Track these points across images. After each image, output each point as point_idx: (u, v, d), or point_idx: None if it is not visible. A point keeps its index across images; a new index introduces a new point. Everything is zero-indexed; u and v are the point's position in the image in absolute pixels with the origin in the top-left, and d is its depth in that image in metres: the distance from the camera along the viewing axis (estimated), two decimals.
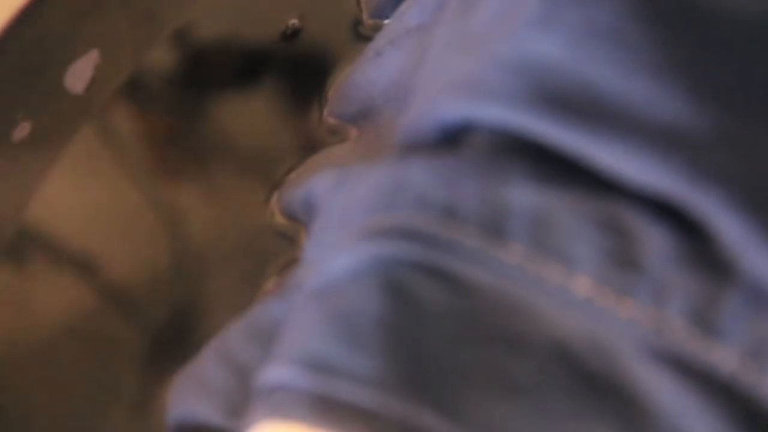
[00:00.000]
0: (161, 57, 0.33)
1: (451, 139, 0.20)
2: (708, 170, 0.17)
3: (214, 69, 0.33)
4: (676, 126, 0.18)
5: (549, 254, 0.18)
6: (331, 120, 0.29)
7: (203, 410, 0.22)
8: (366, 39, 0.31)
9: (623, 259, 0.18)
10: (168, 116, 0.34)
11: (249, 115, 0.33)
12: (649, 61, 0.18)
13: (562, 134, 0.18)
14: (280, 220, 0.29)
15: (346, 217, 0.21)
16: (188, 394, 0.22)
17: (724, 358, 0.18)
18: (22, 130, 0.33)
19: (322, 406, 0.18)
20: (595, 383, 0.18)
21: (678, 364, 0.18)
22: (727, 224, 0.17)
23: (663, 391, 0.18)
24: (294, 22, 0.32)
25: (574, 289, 0.18)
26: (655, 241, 0.18)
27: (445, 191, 0.19)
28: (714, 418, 0.18)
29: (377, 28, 0.30)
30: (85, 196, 0.34)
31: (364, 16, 0.31)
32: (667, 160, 0.18)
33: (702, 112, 0.18)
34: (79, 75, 0.35)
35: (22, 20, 0.32)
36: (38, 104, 0.34)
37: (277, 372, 0.19)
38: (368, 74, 0.27)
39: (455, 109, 0.20)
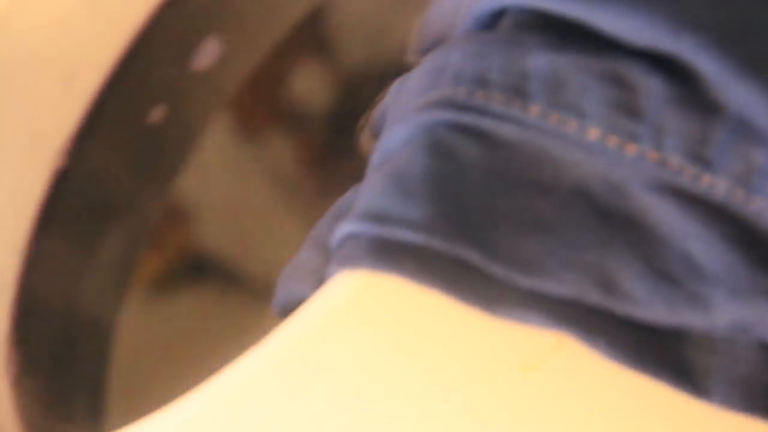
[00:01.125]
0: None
1: (489, 26, 0.24)
2: (687, 21, 0.20)
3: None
4: None
5: (564, 110, 0.22)
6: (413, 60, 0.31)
7: (299, 289, 0.26)
8: None
9: (626, 108, 0.21)
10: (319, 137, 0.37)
11: None
12: None
13: (569, 6, 0.22)
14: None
15: (400, 105, 0.25)
16: (288, 279, 0.26)
17: (715, 185, 0.21)
18: (158, 113, 0.37)
19: (382, 248, 0.22)
20: (610, 215, 0.22)
21: (680, 194, 0.21)
22: (708, 65, 0.20)
23: (669, 218, 0.21)
24: None
25: (587, 137, 0.22)
26: (652, 90, 0.21)
27: (476, 65, 0.23)
28: (711, 236, 0.21)
29: None
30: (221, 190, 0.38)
31: None
32: (653, 17, 0.21)
33: None
34: (205, 56, 0.39)
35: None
36: (170, 86, 0.38)
37: (346, 227, 0.23)
38: (440, 7, 0.30)
39: (489, 1, 0.23)
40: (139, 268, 0.40)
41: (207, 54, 0.39)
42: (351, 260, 0.22)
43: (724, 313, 0.21)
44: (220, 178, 0.41)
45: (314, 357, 0.23)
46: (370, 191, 0.23)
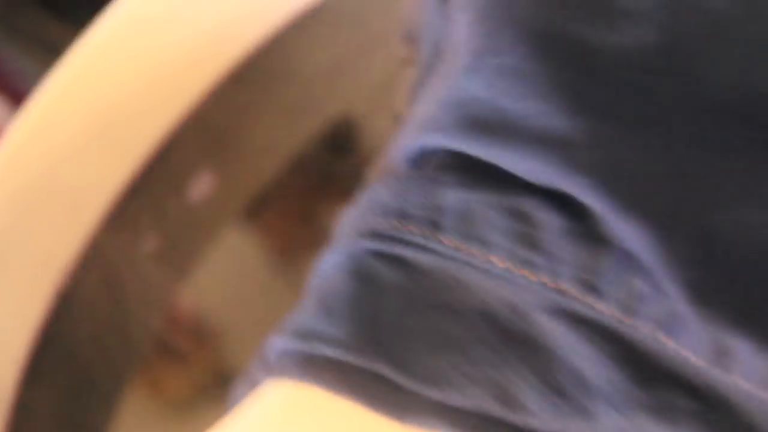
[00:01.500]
0: None
1: (416, 161, 0.27)
2: (577, 164, 0.23)
3: None
4: (556, 134, 0.24)
5: (472, 241, 0.24)
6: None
7: (241, 394, 0.28)
8: None
9: (526, 240, 0.24)
10: None
11: None
12: (541, 89, 0.24)
13: (479, 148, 0.24)
14: None
15: (337, 234, 0.27)
16: (238, 385, 0.29)
17: (603, 311, 0.23)
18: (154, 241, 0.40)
19: (306, 362, 0.25)
20: (511, 336, 0.24)
21: (572, 318, 0.24)
22: (596, 203, 0.23)
23: (562, 338, 0.24)
24: None
25: (491, 266, 0.24)
26: (549, 224, 0.24)
27: (398, 201, 0.25)
28: (598, 355, 0.23)
29: None
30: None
31: None
32: (549, 161, 0.23)
33: (577, 122, 0.24)
34: (201, 187, 0.42)
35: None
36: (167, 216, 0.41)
37: (278, 343, 0.26)
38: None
39: (416, 141, 0.26)
40: (164, 386, 0.42)
41: (202, 185, 0.42)
42: (279, 372, 0.25)
43: (606, 425, 0.23)
44: (248, 296, 0.43)
45: None
46: (300, 311, 0.26)
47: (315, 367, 0.24)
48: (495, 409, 0.24)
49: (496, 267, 0.24)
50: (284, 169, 0.44)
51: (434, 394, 0.24)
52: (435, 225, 0.24)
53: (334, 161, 0.43)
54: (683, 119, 0.23)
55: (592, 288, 0.23)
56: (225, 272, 0.43)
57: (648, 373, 0.23)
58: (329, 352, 0.24)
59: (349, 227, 0.26)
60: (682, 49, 0.24)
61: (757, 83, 0.24)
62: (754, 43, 0.24)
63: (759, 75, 0.24)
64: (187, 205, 0.42)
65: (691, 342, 0.22)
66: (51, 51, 0.40)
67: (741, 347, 0.21)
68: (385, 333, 0.24)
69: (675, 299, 0.22)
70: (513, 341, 0.24)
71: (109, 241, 0.41)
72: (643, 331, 0.23)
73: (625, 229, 0.22)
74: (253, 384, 0.26)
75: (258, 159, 0.43)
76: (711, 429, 0.22)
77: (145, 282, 0.42)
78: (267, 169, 0.43)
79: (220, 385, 0.42)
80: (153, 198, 0.42)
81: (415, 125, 0.27)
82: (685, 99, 0.23)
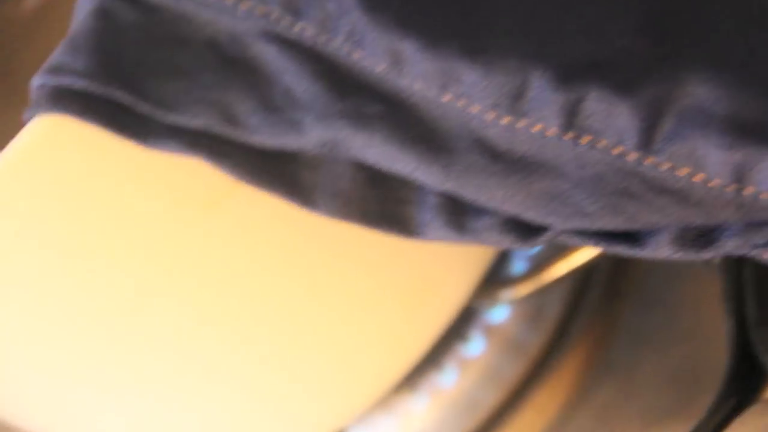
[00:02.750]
0: None
1: None
2: None
3: None
4: None
5: None
6: None
7: None
8: None
9: None
10: None
11: None
12: None
13: None
14: None
15: None
16: None
17: (305, 30, 0.26)
18: None
19: (56, 94, 0.28)
20: (233, 62, 0.27)
21: (283, 42, 0.27)
22: None
23: (274, 60, 0.27)
24: None
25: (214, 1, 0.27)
26: None
27: None
28: (303, 72, 0.26)
29: None
30: None
31: None
32: None
33: None
34: None
35: None
36: None
37: (35, 80, 0.29)
38: None
39: None
40: None
41: None
42: (36, 106, 0.28)
43: (312, 134, 0.26)
44: None
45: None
46: (57, 49, 0.29)
47: (64, 98, 0.27)
48: (221, 127, 0.27)
49: (217, 1, 0.27)
50: None
51: (169, 117, 0.27)
52: None
53: None
54: None
55: (294, 11, 0.26)
56: None
57: (343, 85, 0.26)
58: (75, 83, 0.27)
59: None
60: None
61: None
62: None
63: None
64: None
65: (372, 51, 0.25)
66: None
67: (408, 48, 0.24)
68: (124, 64, 0.27)
69: (355, 14, 0.25)
70: (234, 66, 0.27)
71: None
72: (336, 46, 0.26)
73: None
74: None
75: None
76: (397, 129, 0.26)
77: None
78: None
79: None
80: None
81: None
82: None
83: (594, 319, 0.40)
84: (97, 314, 0.29)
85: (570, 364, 0.40)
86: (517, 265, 0.40)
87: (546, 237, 0.26)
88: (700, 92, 0.23)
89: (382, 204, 0.27)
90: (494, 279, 0.39)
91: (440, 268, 0.36)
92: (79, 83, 0.27)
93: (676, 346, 0.37)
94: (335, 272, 0.32)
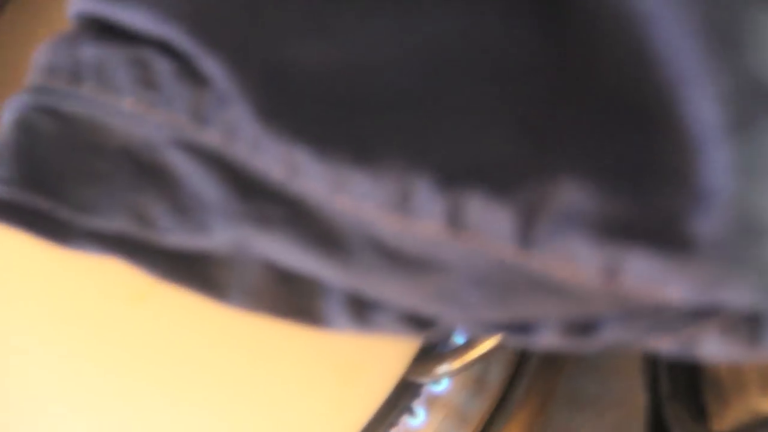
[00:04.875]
0: None
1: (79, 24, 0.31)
2: (172, 15, 0.27)
3: None
4: None
5: (108, 89, 0.29)
6: None
7: None
8: None
9: (148, 83, 0.28)
10: None
11: None
12: None
13: (105, 9, 0.29)
14: None
15: None
16: None
17: (211, 137, 0.28)
18: None
19: None
20: (146, 166, 0.29)
21: (191, 147, 0.28)
22: (186, 46, 0.27)
23: (183, 164, 0.28)
24: None
25: (124, 107, 0.29)
26: (163, 68, 0.28)
27: (49, 58, 0.30)
28: (211, 176, 0.28)
29: None
30: None
31: None
32: (151, 13, 0.27)
33: None
34: None
35: None
36: None
37: None
38: None
39: (75, 4, 0.30)
40: None
41: None
42: None
43: (221, 235, 0.28)
44: None
45: None
46: None
47: None
48: (137, 229, 0.28)
49: (129, 109, 0.28)
50: None
51: (88, 221, 0.29)
52: (76, 76, 0.29)
53: None
54: None
55: (200, 119, 0.28)
56: None
57: (247, 189, 0.28)
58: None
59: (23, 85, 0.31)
60: None
61: None
62: None
63: None
64: None
65: (270, 158, 0.27)
66: None
67: (301, 156, 0.26)
68: (44, 172, 0.29)
69: (252, 123, 0.26)
70: (147, 171, 0.29)
71: None
72: (239, 152, 0.27)
73: (208, 65, 0.27)
74: None
75: None
76: (298, 230, 0.27)
77: None
78: None
79: None
80: None
81: None
82: None
83: (534, 386, 0.41)
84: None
85: (512, 431, 0.41)
86: (457, 337, 0.41)
87: (440, 329, 0.27)
88: (572, 194, 0.24)
89: (292, 298, 0.29)
90: (433, 352, 0.40)
91: (374, 344, 0.37)
92: (2, 190, 0.29)
93: (610, 411, 0.39)
94: (265, 353, 0.33)
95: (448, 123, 0.26)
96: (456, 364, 0.39)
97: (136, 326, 0.31)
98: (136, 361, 0.31)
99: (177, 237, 0.28)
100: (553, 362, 0.42)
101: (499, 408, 0.41)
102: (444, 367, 0.39)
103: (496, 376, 0.42)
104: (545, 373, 0.42)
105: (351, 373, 0.36)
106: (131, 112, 0.28)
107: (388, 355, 0.38)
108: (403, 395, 0.41)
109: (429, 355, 0.40)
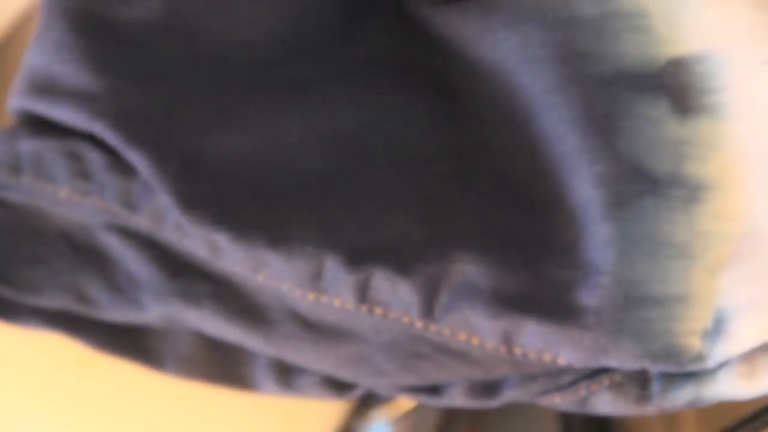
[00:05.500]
0: None
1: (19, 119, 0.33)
2: (99, 112, 0.29)
3: None
4: (85, 90, 0.30)
5: (46, 179, 0.31)
6: None
7: None
8: None
9: (82, 175, 0.31)
10: None
11: None
12: (76, 55, 0.30)
13: (39, 106, 0.31)
14: None
15: None
16: None
17: (140, 222, 0.30)
18: None
19: None
20: (83, 249, 0.31)
21: (124, 231, 0.31)
22: (113, 141, 0.29)
23: (119, 248, 0.31)
24: None
25: (60, 196, 0.31)
26: (97, 161, 0.30)
27: None
28: (142, 257, 0.30)
29: None
30: None
31: None
32: (81, 110, 0.30)
33: (99, 80, 0.30)
34: None
35: None
36: None
37: None
38: None
39: (13, 101, 0.32)
40: None
41: None
42: None
43: (152, 311, 0.30)
44: None
45: None
46: None
47: None
48: (76, 307, 0.31)
49: (65, 197, 0.31)
50: None
51: (30, 300, 0.31)
52: (16, 169, 0.31)
53: None
54: (183, 68, 0.30)
55: (130, 206, 0.30)
56: None
57: (176, 267, 0.30)
58: None
59: None
60: (181, 16, 0.30)
61: (245, 39, 0.30)
62: (238, 4, 0.30)
63: (246, 32, 0.30)
64: None
65: (195, 241, 0.29)
66: None
67: (222, 240, 0.28)
68: None
69: (175, 210, 0.29)
70: (84, 253, 0.31)
71: None
72: (167, 235, 0.30)
73: (133, 158, 0.29)
74: None
75: None
76: (223, 304, 0.30)
77: None
78: None
79: None
80: None
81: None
82: (185, 53, 0.30)
83: (468, 429, 0.44)
84: None
85: None
86: None
87: (359, 392, 0.30)
88: (468, 270, 0.27)
89: (222, 365, 0.31)
90: (370, 400, 0.42)
91: None
92: None
93: None
94: (207, 407, 0.36)
95: (356, 206, 0.28)
96: (393, 413, 0.41)
97: (90, 389, 0.33)
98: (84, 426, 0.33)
99: (113, 313, 0.31)
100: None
101: None
102: (382, 416, 0.42)
103: (430, 422, 0.44)
104: (477, 416, 0.44)
105: (291, 422, 0.38)
106: (67, 200, 0.31)
107: (327, 404, 0.40)
108: None
109: (367, 404, 0.42)
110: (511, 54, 0.28)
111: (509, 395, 0.29)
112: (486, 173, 0.29)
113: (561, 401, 0.29)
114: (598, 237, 0.27)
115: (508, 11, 0.29)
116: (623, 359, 0.27)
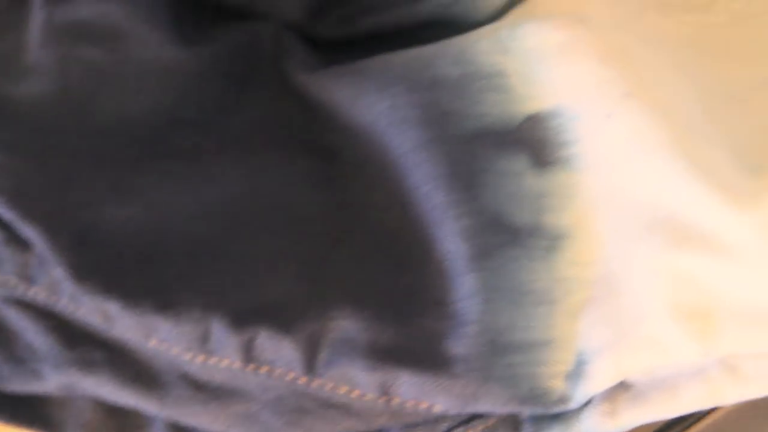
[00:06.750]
0: None
1: None
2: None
3: None
4: None
5: None
6: None
7: None
8: None
9: None
10: None
11: None
12: None
13: None
14: None
15: None
16: None
17: (38, 294, 0.31)
18: None
19: None
20: None
21: (23, 304, 0.32)
22: (7, 216, 0.31)
23: (18, 321, 0.32)
24: None
25: None
26: None
27: None
28: (40, 328, 0.31)
29: None
30: None
31: None
32: None
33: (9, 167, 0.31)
34: None
35: None
36: None
37: None
38: None
39: None
40: None
41: None
42: None
43: (51, 381, 0.31)
44: None
45: None
46: None
47: None
48: None
49: None
50: None
51: None
52: None
53: None
54: (74, 143, 0.31)
55: (27, 279, 0.31)
56: None
57: (73, 337, 0.31)
58: None
59: None
60: (71, 92, 0.32)
61: (132, 112, 0.32)
62: (125, 79, 0.32)
63: (133, 105, 0.32)
64: None
65: (89, 311, 0.30)
66: None
67: (113, 308, 0.30)
68: None
69: (68, 281, 0.30)
70: None
71: None
72: (63, 305, 0.31)
73: (28, 233, 0.30)
74: None
75: None
76: (118, 370, 0.31)
77: None
78: None
79: None
80: None
81: None
82: (76, 128, 0.31)
83: None
84: None
85: None
86: None
87: None
88: (346, 326, 0.28)
89: (122, 429, 0.32)
90: None
91: None
92: None
93: None
94: None
95: (239, 269, 0.30)
96: None
97: None
98: None
99: (14, 384, 0.32)
100: None
101: None
102: None
103: None
104: None
105: None
106: None
107: None
108: None
109: None
110: (381, 116, 0.30)
111: None
112: (361, 230, 0.30)
113: None
114: (465, 288, 0.28)
115: (378, 76, 0.30)
116: (493, 404, 0.28)
